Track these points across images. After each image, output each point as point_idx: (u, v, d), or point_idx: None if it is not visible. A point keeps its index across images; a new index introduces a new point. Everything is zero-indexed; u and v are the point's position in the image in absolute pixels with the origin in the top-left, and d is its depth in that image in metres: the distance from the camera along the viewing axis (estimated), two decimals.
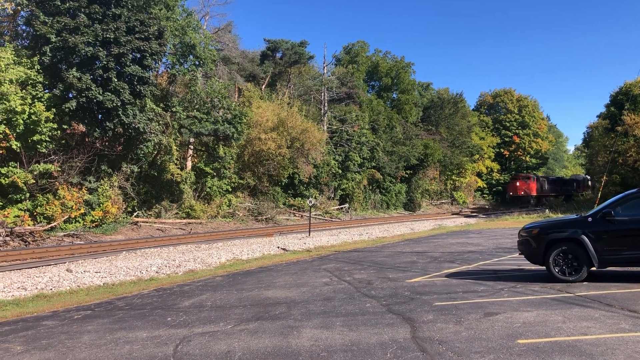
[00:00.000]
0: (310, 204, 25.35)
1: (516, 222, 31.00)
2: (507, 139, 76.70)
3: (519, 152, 77.69)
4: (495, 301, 8.38)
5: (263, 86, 45.34)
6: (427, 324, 7.06)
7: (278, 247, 19.01)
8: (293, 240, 21.55)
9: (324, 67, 50.01)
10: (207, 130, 29.83)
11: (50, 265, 14.75)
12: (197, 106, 30.94)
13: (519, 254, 10.94)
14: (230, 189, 35.03)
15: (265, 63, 46.68)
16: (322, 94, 48.10)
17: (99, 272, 13.22)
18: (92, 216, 24.39)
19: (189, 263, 15.02)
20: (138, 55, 25.01)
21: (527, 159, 78.23)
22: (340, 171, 45.17)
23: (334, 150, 45.10)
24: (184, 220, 29.39)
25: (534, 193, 60.84)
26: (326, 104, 47.89)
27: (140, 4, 25.36)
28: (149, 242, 20.47)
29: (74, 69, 23.10)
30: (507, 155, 77.77)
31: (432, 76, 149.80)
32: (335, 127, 46.84)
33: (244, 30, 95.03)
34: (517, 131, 77.05)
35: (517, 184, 60.49)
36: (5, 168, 21.91)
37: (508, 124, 77.21)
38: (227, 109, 31.87)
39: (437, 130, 62.59)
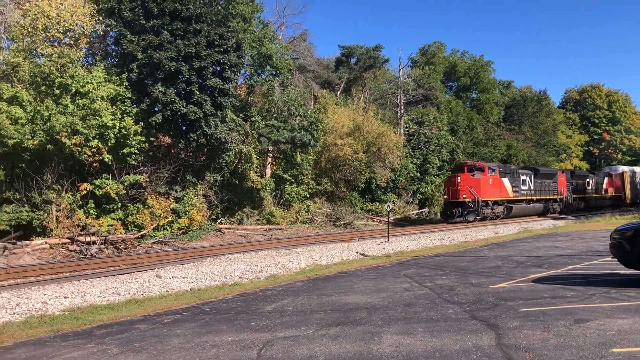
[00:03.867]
0: (388, 209, 25.17)
1: (608, 223, 29.24)
2: (596, 137, 72.69)
3: (610, 150, 73.25)
4: (587, 307, 7.94)
5: (338, 92, 45.59)
6: (512, 331, 6.80)
7: (357, 253, 18.99)
8: (372, 245, 21.47)
9: (400, 70, 49.60)
10: (284, 138, 30.37)
11: (141, 271, 15.52)
12: (274, 115, 31.60)
13: (612, 258, 10.31)
14: (308, 195, 35.47)
15: (340, 69, 46.94)
16: (398, 97, 47.71)
17: (186, 278, 13.75)
18: (179, 224, 25.47)
19: (270, 268, 15.32)
20: (218, 68, 25.91)
21: (620, 156, 73.39)
22: (418, 175, 44.57)
23: (412, 153, 44.56)
24: (265, 226, 30.06)
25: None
26: (402, 107, 47.45)
27: (219, 19, 26.27)
28: (232, 248, 21.08)
29: (159, 84, 24.25)
30: (596, 154, 73.55)
31: (513, 74, 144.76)
32: (412, 129, 46.29)
33: (319, 38, 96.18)
34: (607, 128, 72.81)
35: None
36: (99, 180, 23.33)
37: (597, 121, 73.18)
38: (303, 116, 32.32)
39: (521, 130, 60.32)
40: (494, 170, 36.39)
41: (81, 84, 22.83)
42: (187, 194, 26.24)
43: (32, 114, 21.94)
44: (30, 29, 23.69)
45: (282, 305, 9.84)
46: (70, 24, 24.39)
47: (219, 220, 28.70)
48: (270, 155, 35.04)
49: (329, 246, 21.51)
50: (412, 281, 11.89)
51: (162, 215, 24.58)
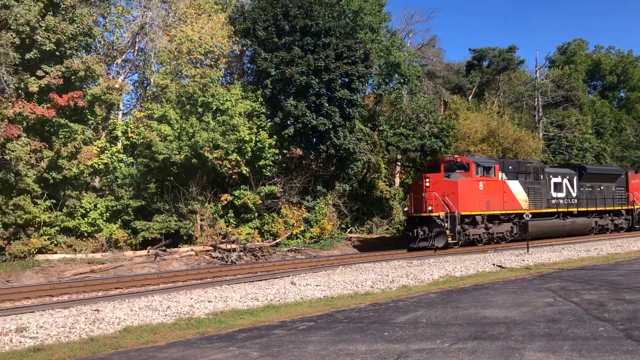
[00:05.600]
0: (527, 218, 23.77)
1: None
2: None
3: None
4: None
5: (470, 97, 44.21)
6: None
7: (493, 264, 18.14)
8: (509, 257, 20.39)
9: (536, 71, 46.97)
10: (414, 145, 30.02)
11: (276, 278, 16.10)
12: (403, 123, 31.38)
13: None
14: None
15: (471, 73, 45.53)
16: (535, 99, 45.18)
17: (319, 286, 14.02)
18: (311, 232, 26.18)
19: (402, 279, 15.13)
20: (346, 80, 26.32)
21: None
22: None
23: (552, 158, 41.85)
24: (395, 236, 29.87)
25: None
26: (540, 110, 44.85)
27: (347, 31, 26.72)
28: (363, 257, 21.17)
29: (290, 98, 25.18)
30: None
31: None
32: (552, 133, 43.54)
33: (448, 42, 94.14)
34: None
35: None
36: (238, 191, 24.70)
37: None
38: (433, 123, 31.74)
39: None
40: (487, 168, 24.39)
41: (221, 101, 24.39)
42: (318, 203, 26.88)
43: (178, 131, 23.81)
44: (176, 52, 25.82)
45: (416, 316, 9.65)
46: (211, 46, 26.22)
47: (349, 230, 29.05)
48: (399, 163, 34.81)
49: (462, 257, 20.79)
50: (556, 295, 11.08)
51: (295, 224, 25.42)
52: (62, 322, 9.71)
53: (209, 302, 11.96)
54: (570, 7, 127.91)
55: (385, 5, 31.48)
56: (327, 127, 25.17)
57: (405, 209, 25.31)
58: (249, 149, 24.36)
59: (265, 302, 11.94)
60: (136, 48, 26.80)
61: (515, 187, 25.65)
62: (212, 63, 27.05)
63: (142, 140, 24.51)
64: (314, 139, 26.72)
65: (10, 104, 20.11)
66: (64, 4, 21.38)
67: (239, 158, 24.09)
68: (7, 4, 19.69)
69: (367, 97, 33.63)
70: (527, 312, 9.33)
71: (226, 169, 23.93)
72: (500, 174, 24.90)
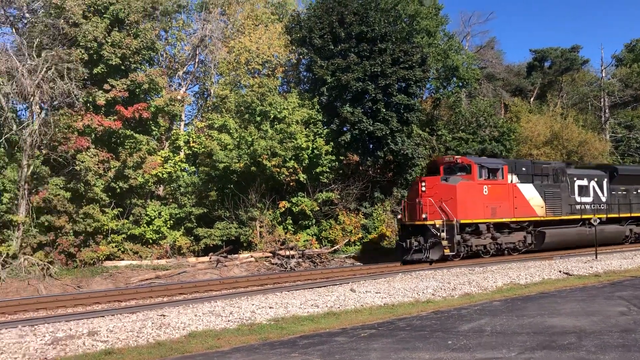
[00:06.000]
0: (595, 223, 22.73)
1: None
2: None
3: None
4: None
5: (531, 99, 42.97)
6: None
7: (560, 271, 17.48)
8: (576, 263, 19.59)
9: (602, 70, 45.14)
10: (474, 150, 29.39)
11: (336, 284, 16.09)
12: (462, 127, 30.82)
13: None
14: None
15: (532, 75, 44.30)
16: (602, 99, 43.37)
17: (379, 293, 13.91)
18: (369, 239, 26.04)
19: (464, 286, 14.81)
20: (403, 84, 26.12)
21: None
22: None
23: (621, 161, 40.00)
24: None
25: None
26: (607, 111, 43.02)
27: (403, 36, 26.55)
28: (423, 265, 20.83)
29: (347, 105, 25.20)
30: None
31: None
32: (620, 135, 41.63)
33: (508, 44, 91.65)
34: None
35: None
36: (295, 198, 24.91)
37: None
38: (493, 126, 31.02)
39: None
40: (493, 170, 21.65)
41: (278, 110, 24.72)
42: (375, 209, 26.72)
43: (238, 140, 24.29)
44: (235, 63, 26.40)
45: (480, 325, 9.41)
46: (268, 56, 26.66)
47: None
48: None
49: (527, 264, 20.14)
50: (629, 304, 10.55)
51: (352, 231, 25.37)
52: (130, 327, 10.04)
53: (270, 308, 12.08)
54: (638, 2, 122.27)
55: (441, 9, 31.16)
56: (384, 133, 25.03)
57: (399, 216, 22.53)
58: (306, 156, 24.54)
59: (325, 309, 11.94)
60: (197, 60, 27.57)
61: (529, 191, 22.74)
62: (270, 72, 27.48)
63: (203, 150, 25.17)
64: (371, 145, 26.62)
65: (80, 117, 21.09)
66: (128, 20, 22.27)
67: (296, 165, 24.30)
68: (76, 22, 20.70)
69: (424, 102, 33.25)
70: (599, 322, 8.93)
71: (284, 176, 24.18)
72: (509, 176, 22.12)
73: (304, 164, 24.66)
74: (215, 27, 26.33)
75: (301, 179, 24.73)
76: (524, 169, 22.92)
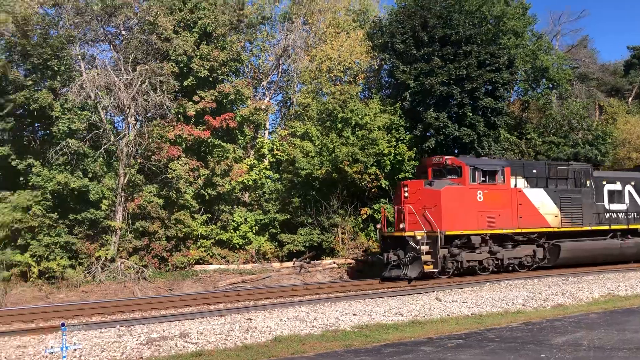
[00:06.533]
0: None
1: None
2: None
3: None
4: None
5: (629, 99, 40.32)
6: None
7: None
8: None
9: None
10: (565, 154, 27.95)
11: (420, 293, 15.80)
12: (553, 130, 29.42)
13: None
14: None
15: (630, 73, 41.63)
16: None
17: (466, 302, 13.51)
18: None
19: (557, 297, 14.08)
20: (490, 87, 25.34)
21: None
22: None
23: None
24: None
25: None
26: None
27: (489, 37, 25.74)
28: (510, 274, 20.02)
29: (430, 110, 24.76)
30: None
31: None
32: None
33: (602, 42, 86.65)
34: None
35: None
36: (377, 204, 24.74)
37: None
38: (587, 129, 29.38)
39: None
40: (490, 172, 18.87)
41: (360, 116, 24.69)
42: None
43: (319, 147, 24.52)
44: (317, 72, 26.70)
45: (575, 338, 8.89)
46: (349, 63, 26.76)
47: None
48: None
49: (627, 275, 18.86)
50: None
51: None
52: (219, 329, 10.35)
53: (354, 315, 12.04)
54: None
55: (529, 8, 29.95)
56: (471, 138, 24.34)
57: (378, 225, 19.90)
58: (388, 162, 24.34)
59: (409, 318, 11.76)
60: (280, 70, 28.14)
61: (539, 197, 19.66)
62: (351, 79, 27.55)
63: (286, 157, 25.62)
64: (456, 150, 25.97)
65: (172, 127, 22.10)
66: (215, 33, 23.11)
67: (377, 171, 24.16)
68: (168, 37, 21.76)
69: (512, 104, 32.06)
70: None
71: (365, 182, 24.11)
72: (513, 180, 19.15)
73: (385, 170, 24.47)
74: (298, 37, 26.77)
75: (383, 185, 24.55)
76: (534, 171, 19.96)
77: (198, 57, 22.32)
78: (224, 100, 23.52)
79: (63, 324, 8.48)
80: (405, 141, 24.95)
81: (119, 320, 12.31)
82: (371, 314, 12.14)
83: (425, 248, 17.36)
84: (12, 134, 20.37)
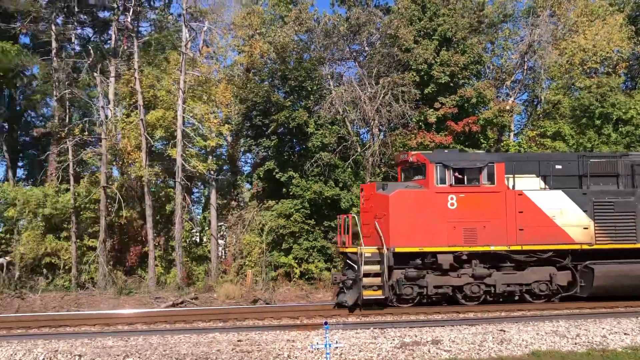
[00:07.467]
0: None
1: None
2: None
3: None
4: None
5: None
6: None
7: None
8: None
9: None
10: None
11: None
12: None
13: None
14: None
15: None
16: None
17: None
18: None
19: None
20: None
21: None
22: None
23: None
24: None
25: None
26: None
27: None
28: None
29: None
30: None
31: None
32: None
33: None
34: None
35: None
36: None
37: None
38: None
39: None
40: (468, 170, 14.14)
41: (623, 110, 21.92)
42: None
43: (574, 146, 22.39)
44: (568, 65, 24.47)
45: None
46: (607, 52, 23.94)
47: None
48: None
49: None
50: None
51: None
52: (470, 339, 10.07)
53: (625, 334, 10.69)
54: None
55: None
56: None
57: (334, 239, 16.30)
58: None
59: None
60: (525, 67, 26.52)
61: (555, 201, 14.36)
62: (610, 70, 24.61)
63: None
64: None
65: (413, 135, 22.43)
66: (455, 38, 22.81)
67: None
68: (408, 47, 22.20)
69: None
70: None
71: None
72: (511, 180, 14.37)
73: None
74: (544, 31, 24.86)
75: None
76: (558, 166, 14.68)
77: (438, 63, 22.28)
78: (466, 105, 23.03)
79: (326, 323, 9.16)
80: None
81: (372, 323, 12.82)
82: None
83: (370, 268, 13.92)
84: (276, 150, 22.91)
